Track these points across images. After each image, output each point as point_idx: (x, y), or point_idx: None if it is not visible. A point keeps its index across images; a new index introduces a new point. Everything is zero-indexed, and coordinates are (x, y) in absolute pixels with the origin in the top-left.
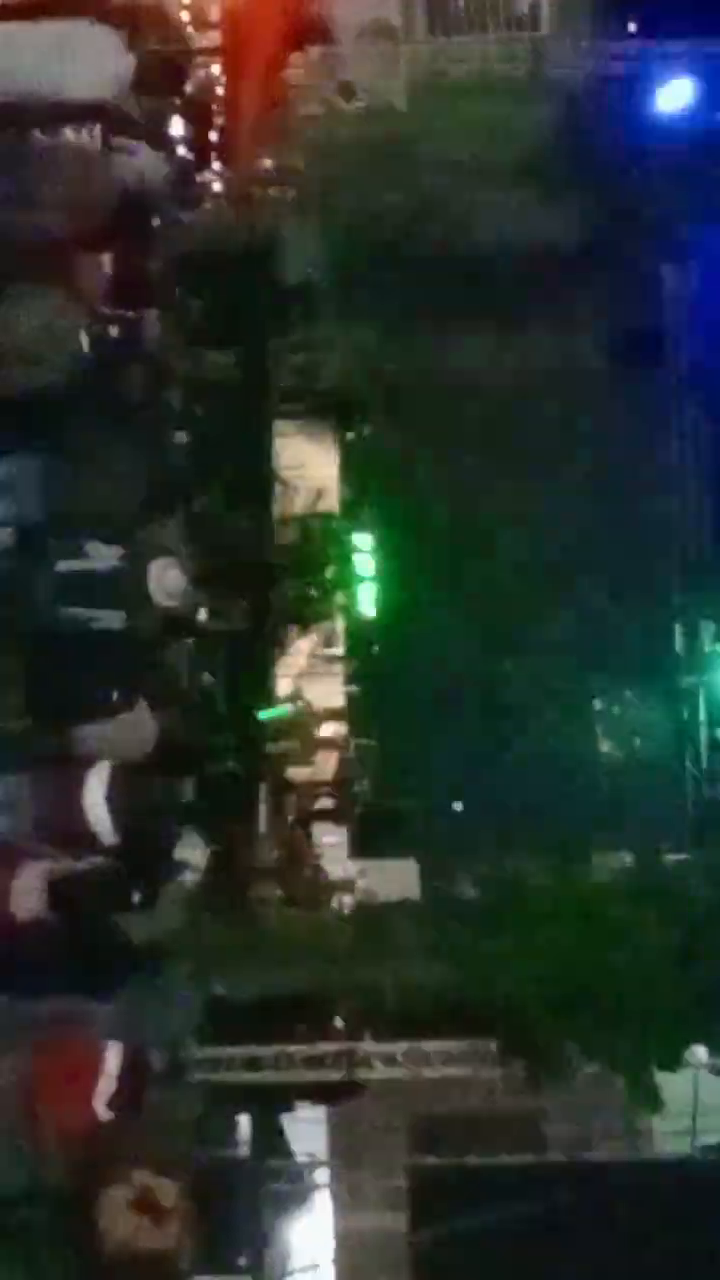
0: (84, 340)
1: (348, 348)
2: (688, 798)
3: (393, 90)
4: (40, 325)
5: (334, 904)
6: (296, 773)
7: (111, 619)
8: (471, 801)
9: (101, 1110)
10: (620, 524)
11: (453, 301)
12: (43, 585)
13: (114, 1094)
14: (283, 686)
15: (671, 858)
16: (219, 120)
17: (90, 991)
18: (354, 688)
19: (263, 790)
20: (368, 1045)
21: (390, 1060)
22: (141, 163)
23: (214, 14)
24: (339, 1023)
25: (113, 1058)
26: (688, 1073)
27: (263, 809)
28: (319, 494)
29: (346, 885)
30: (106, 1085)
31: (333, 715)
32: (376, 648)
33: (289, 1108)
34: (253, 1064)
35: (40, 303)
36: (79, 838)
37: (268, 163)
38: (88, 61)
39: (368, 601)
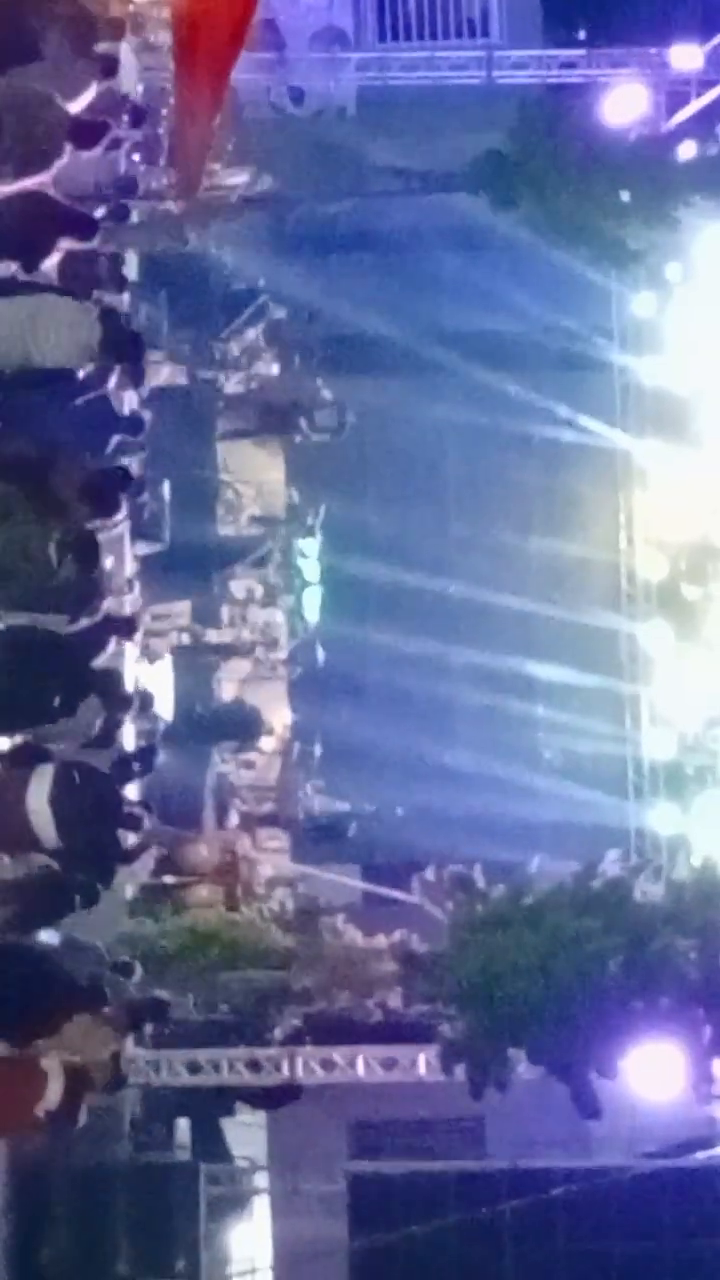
0: (52, 553)
1: (295, 353)
2: (630, 804)
3: (343, 96)
4: (12, 541)
5: (275, 908)
6: (240, 776)
7: (55, 623)
8: (414, 807)
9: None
10: (567, 531)
11: (401, 308)
12: None
13: (54, 1110)
14: (228, 690)
15: (615, 864)
16: (168, 123)
17: (30, 1034)
18: (298, 692)
19: (206, 793)
20: (308, 1050)
21: (330, 1065)
22: None
23: (163, 15)
24: (279, 1026)
25: (55, 1086)
26: (626, 1079)
27: (206, 812)
28: (266, 499)
29: (288, 889)
30: (47, 1106)
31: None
32: (321, 652)
33: (229, 1111)
34: (192, 1067)
35: (17, 527)
36: (21, 840)
37: (217, 167)
38: (57, 333)
39: (313, 606)
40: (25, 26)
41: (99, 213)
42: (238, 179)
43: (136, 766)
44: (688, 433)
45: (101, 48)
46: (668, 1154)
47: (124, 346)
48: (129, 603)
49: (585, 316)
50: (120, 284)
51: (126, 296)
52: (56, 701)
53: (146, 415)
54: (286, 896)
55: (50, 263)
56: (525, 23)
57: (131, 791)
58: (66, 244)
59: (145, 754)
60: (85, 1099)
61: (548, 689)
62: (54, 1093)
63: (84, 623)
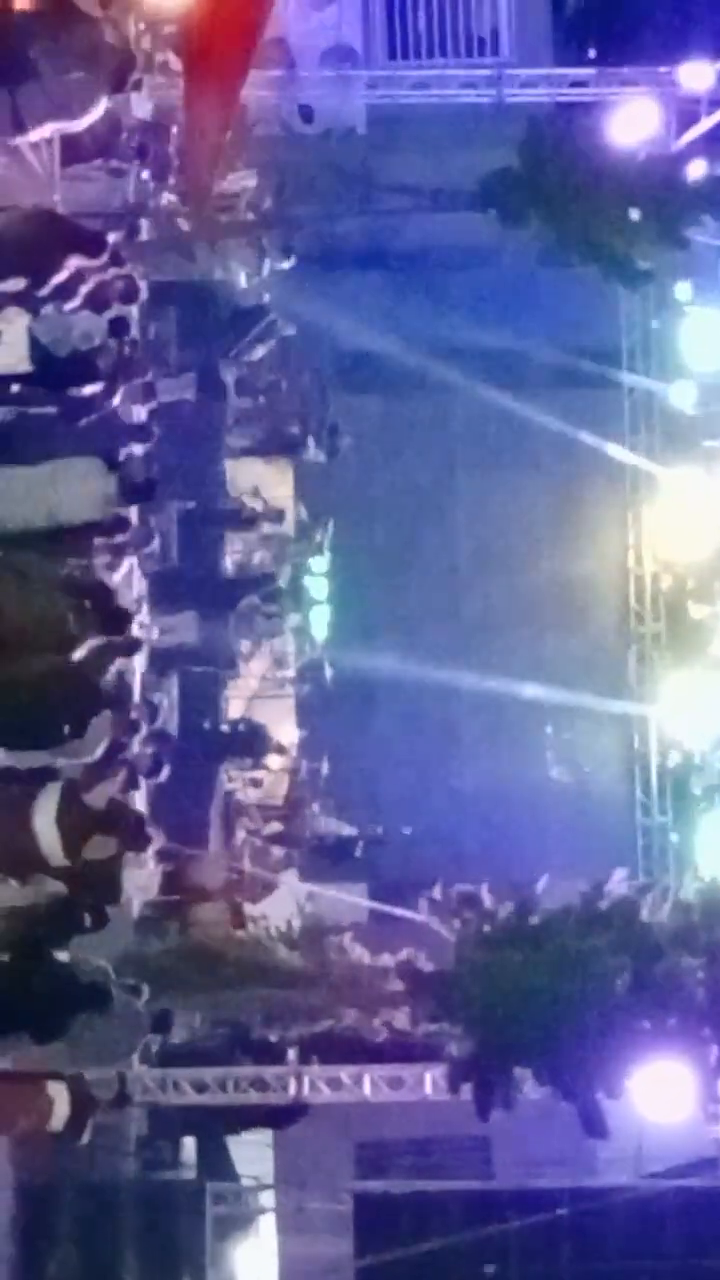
0: (71, 620)
1: (304, 371)
2: (637, 824)
3: (353, 114)
4: (35, 611)
5: (281, 926)
6: (247, 794)
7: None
8: (422, 826)
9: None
10: (575, 549)
11: (411, 326)
12: None
13: (62, 1129)
14: (235, 709)
15: (622, 884)
16: (177, 141)
17: (36, 1036)
18: (306, 710)
19: (213, 811)
20: (314, 1069)
21: (336, 1084)
22: None
23: (172, 33)
24: (285, 1045)
25: (61, 1109)
26: (633, 1099)
27: (213, 830)
28: (275, 516)
29: (295, 908)
30: (54, 1127)
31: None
32: (329, 670)
33: (235, 1130)
34: (199, 1086)
35: (36, 595)
36: (28, 859)
37: (227, 185)
38: (76, 490)
39: (321, 624)
40: (22, 45)
41: (110, 232)
42: (245, 183)
43: (142, 779)
44: (697, 451)
45: (112, 67)
46: (674, 1174)
47: (138, 494)
48: (137, 622)
49: (595, 335)
50: (130, 299)
51: (135, 310)
52: (67, 730)
53: (155, 431)
54: (293, 915)
55: (58, 279)
56: (535, 41)
57: (138, 808)
58: (75, 261)
59: (152, 764)
60: (91, 1116)
61: (555, 707)
62: (60, 1115)
63: (91, 643)
